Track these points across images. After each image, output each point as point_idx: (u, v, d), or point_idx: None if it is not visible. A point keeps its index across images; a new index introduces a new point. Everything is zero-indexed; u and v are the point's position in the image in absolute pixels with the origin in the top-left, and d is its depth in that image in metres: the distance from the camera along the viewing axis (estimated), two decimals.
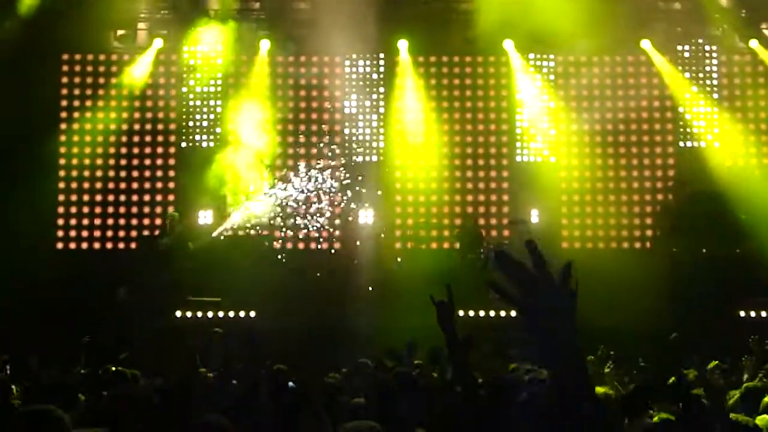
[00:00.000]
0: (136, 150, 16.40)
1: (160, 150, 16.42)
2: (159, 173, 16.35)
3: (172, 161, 16.42)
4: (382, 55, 16.63)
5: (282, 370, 7.81)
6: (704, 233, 13.39)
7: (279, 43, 16.41)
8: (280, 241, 16.16)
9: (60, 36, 15.77)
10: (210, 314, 12.67)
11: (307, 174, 16.08)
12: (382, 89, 16.63)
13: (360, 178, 16.01)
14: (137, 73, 16.33)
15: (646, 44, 16.48)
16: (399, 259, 13.92)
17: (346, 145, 16.49)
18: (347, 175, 16.17)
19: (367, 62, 16.60)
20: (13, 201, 14.41)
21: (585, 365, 2.21)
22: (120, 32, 16.32)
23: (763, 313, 12.10)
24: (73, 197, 16.18)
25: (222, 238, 14.74)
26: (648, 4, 16.51)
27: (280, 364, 8.10)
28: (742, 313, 11.78)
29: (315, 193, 16.18)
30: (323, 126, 16.54)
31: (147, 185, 16.23)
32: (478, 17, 15.98)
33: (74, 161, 16.27)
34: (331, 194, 16.17)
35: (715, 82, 16.61)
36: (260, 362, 7.88)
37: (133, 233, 16.09)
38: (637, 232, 16.24)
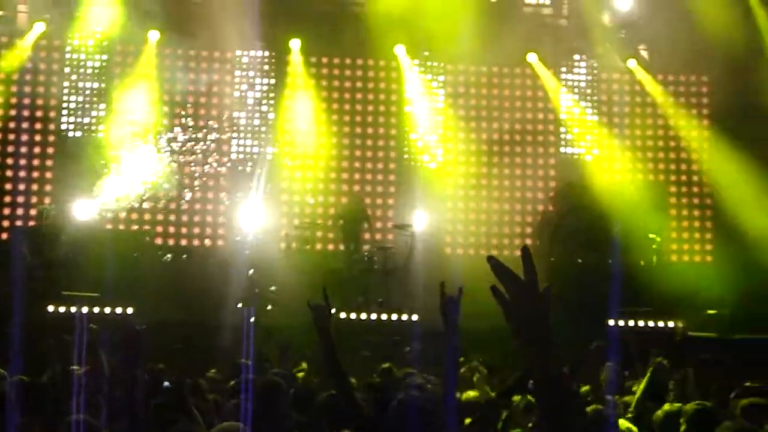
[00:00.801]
0: (11, 136, 15.76)
1: (37, 138, 15.83)
2: (35, 162, 15.76)
3: (50, 150, 15.86)
4: (274, 54, 16.50)
5: (159, 368, 7.65)
6: (581, 244, 13.84)
7: (168, 35, 16.06)
8: (162, 235, 15.85)
9: None
10: (85, 309, 12.26)
11: (191, 167, 15.81)
12: (272, 88, 16.50)
13: (249, 176, 15.84)
14: (16, 57, 15.69)
15: (532, 58, 16.93)
16: (273, 288, 13.84)
17: (233, 143, 16.29)
18: (232, 173, 16.00)
19: (259, 60, 16.44)
20: None
21: (558, 363, 2.37)
22: None
23: (631, 323, 12.60)
24: None
25: (100, 230, 14.29)
26: (535, 19, 16.97)
27: (157, 362, 7.93)
28: (611, 322, 12.21)
29: (198, 187, 15.94)
30: (211, 123, 16.29)
31: (22, 174, 15.61)
32: (371, 20, 16.09)
33: None
34: (216, 190, 15.97)
35: (596, 99, 17.22)
36: (136, 360, 7.67)
37: (5, 223, 15.46)
38: (518, 240, 16.65)
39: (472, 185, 16.78)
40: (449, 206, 16.59)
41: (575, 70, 17.20)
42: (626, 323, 12.58)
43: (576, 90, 17.16)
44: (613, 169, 16.88)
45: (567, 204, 14.68)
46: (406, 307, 13.16)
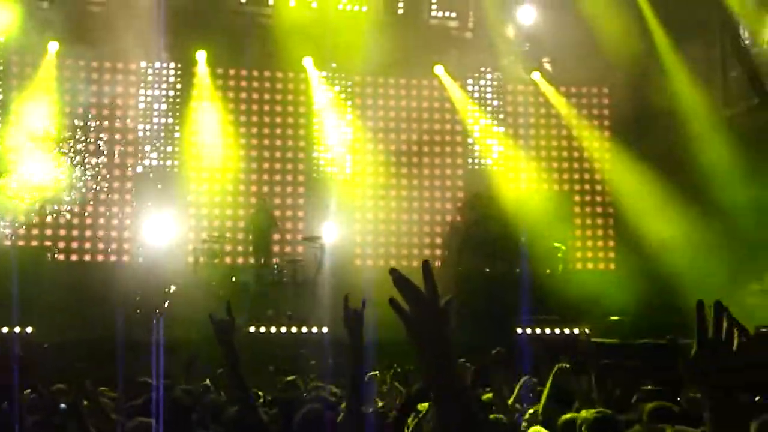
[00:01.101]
0: None
1: None
2: None
3: None
4: (180, 65, 16.28)
5: (58, 389, 7.41)
6: (488, 254, 14.05)
7: (69, 46, 15.67)
8: (64, 251, 15.43)
9: None
10: None
11: (94, 180, 15.46)
12: (178, 100, 16.27)
13: (155, 189, 15.56)
14: None
15: (439, 69, 17.13)
16: (171, 288, 13.63)
17: (138, 155, 16.00)
18: (137, 186, 15.72)
19: (164, 72, 16.19)
20: None
21: (459, 377, 2.40)
22: None
23: (538, 330, 12.83)
24: None
25: None
26: (441, 32, 17.19)
27: (60, 382, 7.69)
28: (519, 330, 12.43)
29: (102, 201, 15.60)
30: (115, 135, 15.96)
31: None
32: (278, 32, 16.06)
33: None
34: (121, 203, 15.66)
35: (502, 110, 17.52)
36: (32, 381, 7.45)
37: None
38: (428, 250, 16.79)
39: (381, 196, 16.85)
40: (358, 218, 16.63)
41: (481, 81, 17.47)
42: (533, 331, 12.81)
43: (482, 102, 17.44)
44: (518, 180, 17.20)
45: (474, 214, 14.90)
46: (315, 320, 13.11)
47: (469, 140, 17.35)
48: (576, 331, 13.09)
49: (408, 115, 17.27)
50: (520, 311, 11.67)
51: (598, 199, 17.70)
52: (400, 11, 16.95)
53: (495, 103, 17.51)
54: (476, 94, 17.43)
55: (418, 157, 17.21)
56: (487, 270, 13.99)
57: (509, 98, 17.67)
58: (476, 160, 17.32)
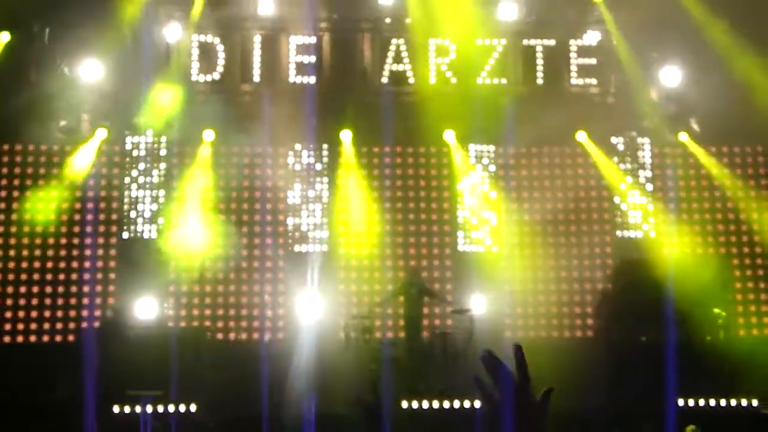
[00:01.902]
0: (75, 240, 16.22)
1: (100, 240, 16.26)
2: (99, 264, 16.15)
3: (112, 252, 16.26)
4: (325, 146, 16.83)
5: None
6: (641, 321, 13.61)
7: (223, 134, 16.53)
8: (222, 330, 16.02)
9: (0, 126, 15.74)
10: (149, 409, 12.37)
11: (249, 261, 16.07)
12: (325, 180, 16.79)
13: (306, 267, 16.01)
14: (79, 163, 16.28)
15: (581, 136, 16.99)
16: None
17: (289, 234, 16.53)
18: (289, 265, 16.21)
19: (311, 153, 16.76)
20: None
21: None
22: (62, 123, 16.29)
23: (701, 402, 12.25)
24: (9, 289, 15.87)
25: (161, 329, 14.51)
26: (582, 98, 17.09)
27: None
28: (681, 402, 11.90)
29: (257, 280, 16.17)
30: (267, 216, 16.58)
31: (87, 276, 15.99)
32: (419, 109, 16.42)
33: (11, 252, 16.01)
34: (274, 282, 16.17)
35: (648, 174, 17.12)
36: None
37: (72, 325, 15.79)
38: (578, 320, 16.44)
39: (529, 267, 16.68)
40: (507, 289, 16.49)
41: (626, 146, 17.17)
42: (696, 402, 12.25)
43: (628, 166, 17.11)
44: (671, 244, 16.66)
45: (625, 281, 14.49)
46: (468, 393, 13.01)
47: (616, 206, 17.01)
48: (743, 402, 12.41)
49: (552, 183, 17.14)
50: (676, 381, 11.20)
51: (759, 261, 16.87)
52: (540, 81, 17.00)
53: (641, 166, 17.13)
54: (621, 159, 17.12)
55: (565, 226, 17.00)
56: (642, 338, 13.53)
57: (656, 161, 17.27)
58: (625, 226, 16.93)
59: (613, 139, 17.15)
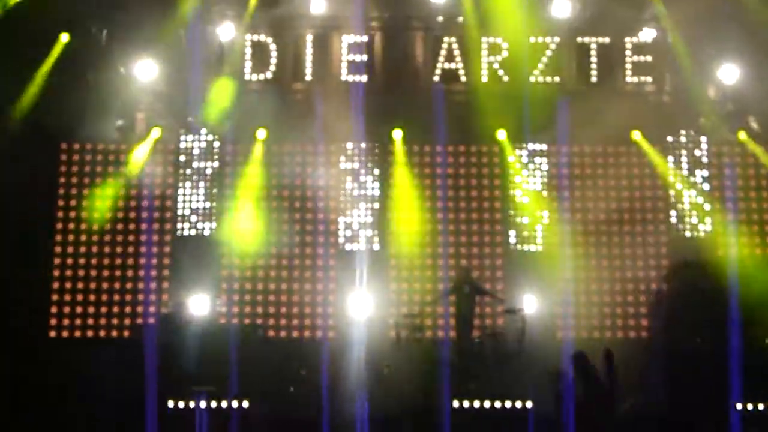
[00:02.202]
0: (132, 238, 16.47)
1: (156, 238, 16.49)
2: (154, 261, 16.38)
3: (167, 249, 16.47)
4: (376, 145, 16.84)
5: None
6: (698, 324, 13.37)
7: (275, 132, 16.65)
8: (273, 328, 16.15)
9: (59, 125, 16.05)
10: (203, 404, 12.51)
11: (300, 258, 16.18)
12: (376, 178, 16.80)
13: (356, 265, 16.06)
14: (135, 161, 16.52)
15: (636, 135, 16.77)
16: (386, 367, 13.94)
17: (340, 233, 16.58)
18: (340, 263, 16.28)
19: (362, 152, 16.79)
20: (7, 290, 14.45)
21: None
22: (119, 122, 16.54)
23: (761, 406, 11.99)
24: (68, 285, 16.18)
25: (214, 326, 14.67)
26: (638, 97, 16.86)
27: None
28: (740, 406, 11.67)
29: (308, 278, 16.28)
30: (318, 215, 16.65)
31: (141, 273, 16.22)
32: (471, 107, 16.36)
33: (70, 249, 16.32)
34: (326, 281, 16.26)
35: (705, 173, 16.82)
36: None
37: (127, 321, 16.04)
38: (632, 320, 16.24)
39: (582, 266, 16.52)
40: (559, 288, 16.34)
41: (682, 145, 16.89)
42: (755, 407, 12.01)
43: (684, 165, 16.84)
44: (729, 245, 16.35)
45: (681, 283, 14.24)
46: (519, 394, 12.93)
47: (672, 205, 16.74)
48: None
49: (605, 183, 16.93)
50: (737, 385, 10.99)
51: None
52: (593, 79, 16.81)
53: (698, 165, 16.84)
54: (677, 158, 16.85)
55: (618, 226, 16.79)
56: (698, 341, 13.31)
57: (713, 160, 16.96)
58: (681, 226, 16.66)
59: (669, 138, 16.89)
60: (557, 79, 16.74)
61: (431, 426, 11.77)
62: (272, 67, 16.77)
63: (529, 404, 12.84)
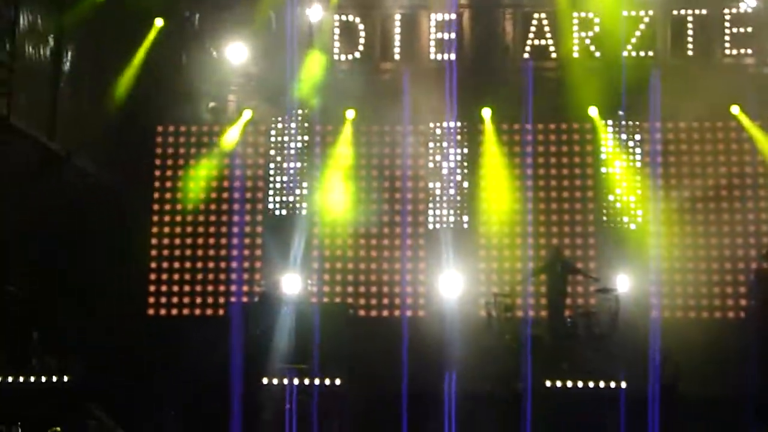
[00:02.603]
0: (224, 218, 16.81)
1: (248, 218, 16.79)
2: (247, 240, 16.69)
3: (259, 228, 16.76)
4: (466, 124, 16.74)
5: None
6: None
7: (363, 112, 16.72)
8: (365, 307, 16.27)
9: (154, 109, 16.47)
10: (296, 381, 12.73)
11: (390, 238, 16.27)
12: (466, 157, 16.70)
13: (444, 244, 16.04)
14: (227, 142, 16.83)
15: (735, 109, 16.22)
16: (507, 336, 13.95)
17: (429, 212, 16.56)
18: (429, 243, 16.28)
19: (451, 131, 16.71)
20: (107, 269, 14.96)
21: None
22: (211, 104, 16.85)
23: None
24: (165, 264, 16.64)
25: (306, 304, 14.87)
26: (737, 70, 16.30)
27: None
28: None
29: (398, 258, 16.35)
30: (407, 194, 16.66)
31: (235, 252, 16.55)
32: (562, 84, 16.11)
33: (166, 229, 16.76)
34: (415, 260, 16.30)
35: None
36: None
37: (221, 299, 16.41)
38: (730, 300, 15.79)
39: (677, 245, 16.12)
40: (653, 267, 15.98)
41: None
42: None
43: None
44: None
45: None
46: (612, 374, 12.75)
47: None
48: None
49: (702, 159, 16.45)
50: None
51: None
52: (690, 53, 16.31)
53: None
54: None
55: (716, 203, 16.30)
56: None
57: None
58: None
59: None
60: (651, 53, 16.31)
61: (522, 405, 11.71)
62: (360, 47, 16.81)
63: (623, 384, 12.66)
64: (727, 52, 16.27)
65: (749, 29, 16.21)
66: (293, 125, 16.89)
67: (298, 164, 16.83)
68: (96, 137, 15.59)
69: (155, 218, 16.80)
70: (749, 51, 16.28)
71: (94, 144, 15.59)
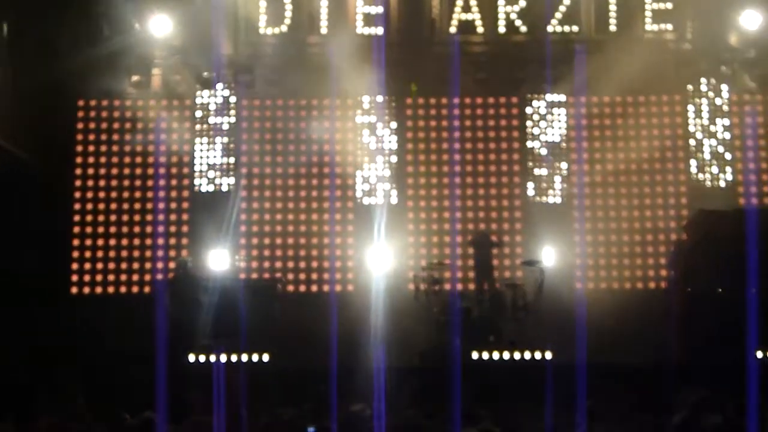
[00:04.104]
0: (149, 194, 16.52)
1: (173, 193, 16.54)
2: (173, 216, 16.46)
3: (185, 204, 16.53)
4: (393, 98, 16.72)
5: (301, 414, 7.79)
6: (719, 273, 13.26)
7: (290, 87, 16.60)
8: (293, 283, 16.21)
9: (75, 82, 16.04)
10: (223, 358, 12.62)
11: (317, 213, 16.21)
12: (393, 132, 16.69)
13: (374, 218, 16.06)
14: (151, 117, 16.52)
15: (657, 84, 16.52)
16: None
17: (357, 187, 16.53)
18: (358, 217, 16.28)
19: (378, 105, 16.67)
20: (27, 246, 14.56)
21: None
22: (134, 77, 16.50)
23: None
24: (88, 242, 16.30)
25: (234, 280, 14.73)
26: (658, 45, 16.59)
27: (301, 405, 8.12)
28: (758, 354, 11.61)
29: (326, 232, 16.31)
30: (336, 169, 16.59)
31: (161, 228, 16.31)
32: (490, 60, 16.23)
33: (88, 206, 16.41)
34: (344, 235, 16.28)
35: (726, 121, 16.54)
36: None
37: (147, 277, 16.16)
38: (651, 271, 16.18)
39: (600, 218, 16.45)
40: (577, 240, 16.29)
41: (703, 94, 16.60)
42: None
43: (704, 114, 16.57)
44: (751, 195, 16.19)
45: (703, 232, 14.11)
46: (537, 345, 12.96)
47: (692, 155, 16.53)
48: None
49: (625, 133, 16.73)
50: (759, 334, 10.91)
51: None
52: (613, 28, 16.57)
53: (719, 114, 16.58)
54: (697, 107, 16.58)
55: (638, 176, 16.64)
56: (719, 290, 13.22)
57: (735, 108, 16.70)
58: (701, 176, 16.46)
59: (690, 87, 16.63)
60: (575, 28, 16.52)
61: (449, 377, 11.81)
62: (287, 21, 16.63)
63: (548, 355, 12.88)
64: (649, 27, 16.55)
65: (669, 5, 16.51)
66: (219, 100, 16.64)
67: (224, 140, 16.60)
68: (13, 112, 15.13)
69: (77, 194, 16.43)
70: (669, 27, 16.59)
71: (11, 119, 15.13)
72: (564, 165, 16.49)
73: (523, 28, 16.54)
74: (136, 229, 16.39)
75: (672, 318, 13.52)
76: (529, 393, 9.91)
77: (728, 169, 16.36)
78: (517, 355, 13.03)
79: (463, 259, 16.09)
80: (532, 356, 12.98)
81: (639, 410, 8.33)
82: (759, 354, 11.66)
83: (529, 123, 16.66)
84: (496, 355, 13.05)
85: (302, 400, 8.72)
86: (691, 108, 16.59)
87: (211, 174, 16.47)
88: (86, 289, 16.15)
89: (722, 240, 13.23)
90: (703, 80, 16.60)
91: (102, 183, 16.49)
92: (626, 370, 11.70)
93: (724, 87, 16.58)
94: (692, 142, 16.53)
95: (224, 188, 16.42)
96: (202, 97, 16.63)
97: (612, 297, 15.47)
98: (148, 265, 16.25)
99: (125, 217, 16.45)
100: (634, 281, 16.18)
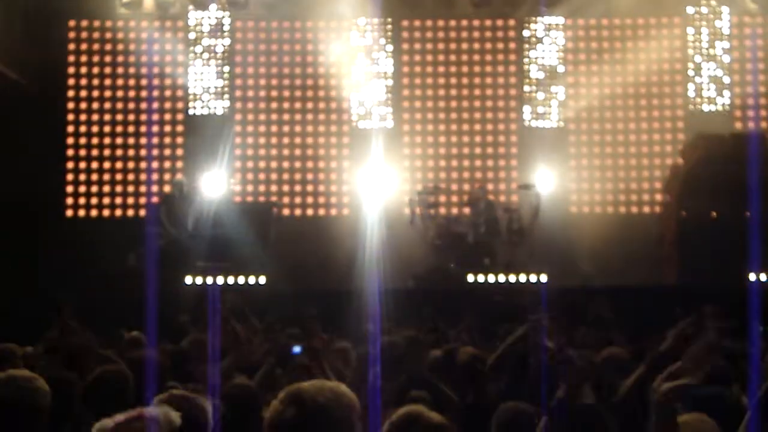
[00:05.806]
0: (143, 117, 16.40)
1: (167, 117, 16.41)
2: (167, 140, 16.36)
3: (179, 128, 16.42)
4: (389, 20, 16.47)
5: (293, 334, 7.85)
6: (713, 196, 13.27)
7: (282, 9, 16.32)
8: (288, 206, 16.21)
9: (66, 3, 15.76)
10: (220, 280, 12.69)
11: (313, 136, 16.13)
12: (390, 55, 16.49)
13: (369, 143, 15.97)
14: (144, 38, 16.27)
15: (655, 6, 16.28)
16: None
17: (353, 110, 16.40)
18: (354, 141, 16.20)
19: (374, 28, 16.43)
20: (20, 170, 14.47)
21: None
22: None
23: None
24: (82, 164, 16.24)
25: (229, 203, 14.71)
26: None
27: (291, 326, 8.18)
28: (752, 277, 11.69)
29: (321, 156, 16.24)
30: (331, 92, 16.43)
31: (155, 152, 16.22)
32: None
33: (82, 128, 16.30)
34: (339, 158, 16.23)
35: (726, 45, 16.37)
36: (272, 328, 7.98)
37: (142, 200, 16.15)
38: (646, 195, 16.20)
39: (597, 141, 16.39)
40: (573, 165, 16.26)
41: (703, 16, 16.37)
42: None
43: (704, 37, 16.37)
44: (750, 119, 16.11)
45: (697, 155, 14.07)
46: (532, 268, 13.06)
47: (690, 79, 16.39)
48: None
49: (622, 57, 16.52)
50: (753, 257, 10.97)
51: None
52: None
53: (719, 37, 16.38)
54: (697, 30, 16.38)
55: (635, 100, 16.52)
56: (713, 213, 13.26)
57: (735, 31, 16.50)
58: (699, 101, 16.35)
59: (689, 9, 16.40)
60: None
61: (447, 301, 11.92)
62: None
63: (543, 278, 12.99)
64: None
65: None
66: (213, 21, 16.39)
67: (219, 62, 16.39)
68: (3, 36, 14.87)
69: (70, 117, 16.29)
70: None
71: (2, 42, 14.88)
72: (561, 89, 16.35)
73: None
74: (131, 153, 16.31)
75: (666, 243, 13.62)
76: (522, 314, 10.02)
77: (726, 92, 16.24)
78: (512, 278, 13.13)
79: (459, 183, 16.09)
80: (527, 279, 13.09)
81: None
82: (752, 276, 11.76)
83: (526, 46, 16.47)
84: (491, 278, 13.16)
85: (296, 321, 8.78)
86: (690, 30, 16.38)
87: (205, 97, 16.31)
88: (81, 212, 16.13)
89: (718, 163, 13.22)
90: (703, 2, 16.35)
91: (95, 105, 16.32)
92: (620, 292, 11.80)
93: (725, 9, 16.34)
94: (690, 65, 16.37)
95: (218, 112, 16.28)
96: (196, 19, 16.36)
97: (607, 221, 15.50)
98: (142, 189, 16.21)
99: (119, 140, 16.34)
100: (629, 206, 16.20)
